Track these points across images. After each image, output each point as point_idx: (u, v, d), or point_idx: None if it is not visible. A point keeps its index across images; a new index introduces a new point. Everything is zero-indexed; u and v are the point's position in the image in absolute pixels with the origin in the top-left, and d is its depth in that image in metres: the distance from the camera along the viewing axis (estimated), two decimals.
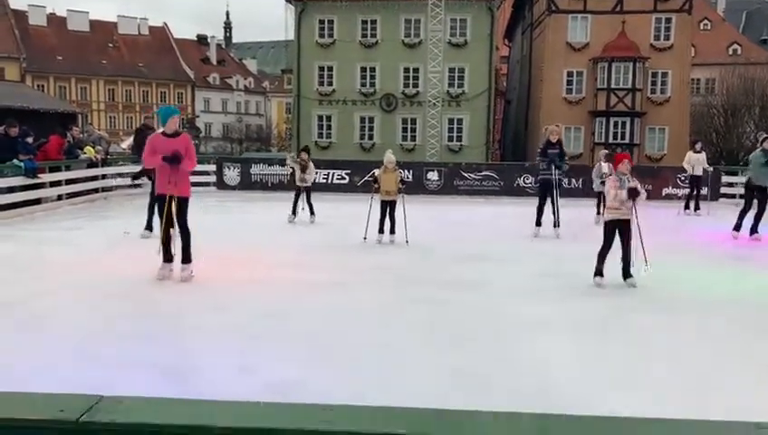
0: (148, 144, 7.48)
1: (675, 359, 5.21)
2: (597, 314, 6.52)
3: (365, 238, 10.46)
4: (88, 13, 63.55)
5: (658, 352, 5.36)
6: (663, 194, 18.49)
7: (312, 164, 13.00)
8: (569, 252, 9.73)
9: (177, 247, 7.63)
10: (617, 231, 7.57)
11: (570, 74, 33.36)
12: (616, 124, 32.70)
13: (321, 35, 35.65)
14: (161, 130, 7.53)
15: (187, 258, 7.58)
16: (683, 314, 6.56)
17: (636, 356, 5.26)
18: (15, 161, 12.80)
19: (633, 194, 7.35)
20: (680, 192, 17.72)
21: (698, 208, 15.52)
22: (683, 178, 17.34)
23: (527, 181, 18.78)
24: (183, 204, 7.51)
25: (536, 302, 6.88)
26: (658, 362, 5.13)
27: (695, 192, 15.65)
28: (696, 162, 15.40)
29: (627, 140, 32.48)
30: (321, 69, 35.95)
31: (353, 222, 12.51)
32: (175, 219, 7.49)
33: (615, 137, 32.61)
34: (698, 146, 15.87)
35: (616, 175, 7.60)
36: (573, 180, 18.16)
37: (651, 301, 7.01)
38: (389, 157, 10.62)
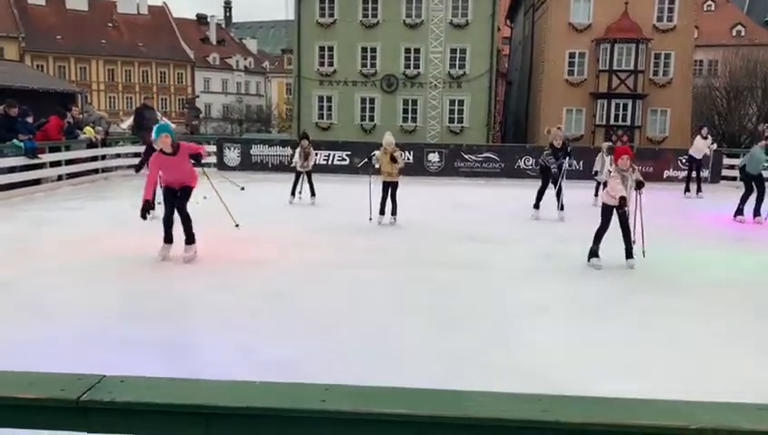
0: (153, 165, 7.51)
1: (674, 339, 5.23)
2: (596, 295, 6.53)
3: (371, 219, 10.52)
4: None
5: (658, 333, 5.37)
6: (664, 176, 18.45)
7: (312, 150, 12.96)
8: (568, 234, 9.72)
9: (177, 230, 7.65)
10: (614, 212, 7.58)
11: (572, 56, 33.12)
12: (618, 106, 32.52)
13: (322, 15, 35.35)
14: (159, 148, 7.52)
15: (190, 239, 7.65)
16: (682, 294, 6.57)
17: (635, 338, 5.28)
18: (15, 141, 12.75)
19: (640, 186, 7.41)
20: (681, 174, 17.67)
21: (700, 191, 15.49)
22: (684, 161, 17.29)
23: (528, 163, 18.72)
24: (187, 192, 7.65)
25: (535, 283, 6.89)
26: (658, 342, 5.15)
27: (694, 174, 15.60)
28: (702, 148, 15.36)
29: (628, 123, 32.34)
30: (322, 49, 35.70)
31: (354, 203, 12.49)
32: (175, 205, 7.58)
33: (616, 119, 32.45)
34: (704, 131, 15.80)
35: (616, 171, 7.54)
36: (574, 163, 18.07)
37: (651, 282, 7.02)
38: (388, 139, 10.58)
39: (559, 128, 11.95)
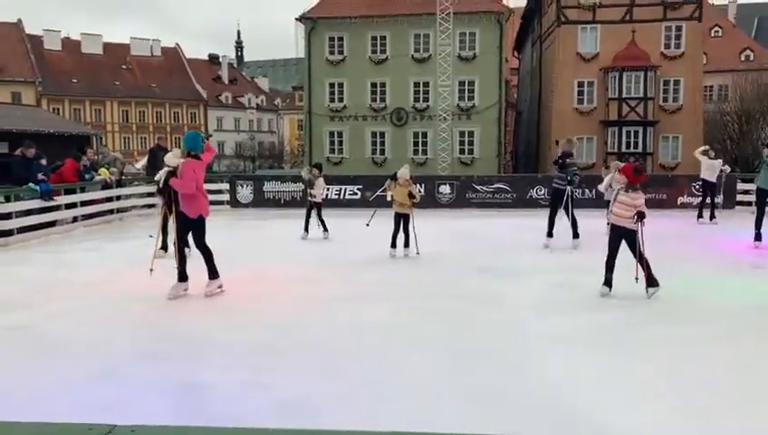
0: (199, 171, 7.53)
1: (691, 369, 5.15)
2: (612, 326, 6.46)
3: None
4: (101, 36, 64.61)
5: (675, 363, 5.29)
6: (678, 203, 18.34)
7: (321, 180, 13.02)
8: (582, 263, 9.67)
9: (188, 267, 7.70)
10: (622, 240, 7.51)
11: (580, 84, 33.31)
12: (628, 133, 32.53)
13: (332, 52, 35.94)
14: (195, 154, 7.63)
15: (212, 274, 7.71)
16: (698, 325, 6.48)
17: (653, 368, 5.20)
18: (31, 185, 12.96)
19: (641, 217, 7.31)
20: (696, 201, 17.55)
21: (713, 217, 15.33)
22: (698, 187, 17.19)
23: (540, 193, 18.69)
24: (200, 226, 7.63)
25: (550, 315, 6.84)
26: (676, 373, 5.07)
27: (708, 199, 15.47)
28: (712, 167, 15.24)
29: (640, 149, 32.31)
30: (332, 85, 36.20)
31: (366, 237, 12.52)
32: (191, 240, 7.60)
33: (628, 146, 32.44)
34: (711, 154, 15.71)
35: (637, 189, 7.53)
36: (586, 190, 18.05)
37: (666, 312, 6.94)
38: (403, 172, 10.64)
39: (569, 139, 11.89)
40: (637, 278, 7.44)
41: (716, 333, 6.17)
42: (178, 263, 7.71)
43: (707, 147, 16.19)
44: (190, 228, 7.61)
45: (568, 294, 7.84)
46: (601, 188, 10.21)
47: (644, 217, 7.31)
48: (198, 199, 7.67)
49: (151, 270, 8.26)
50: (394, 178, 10.73)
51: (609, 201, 11.20)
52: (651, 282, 7.48)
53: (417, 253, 10.56)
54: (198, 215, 7.64)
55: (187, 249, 10.54)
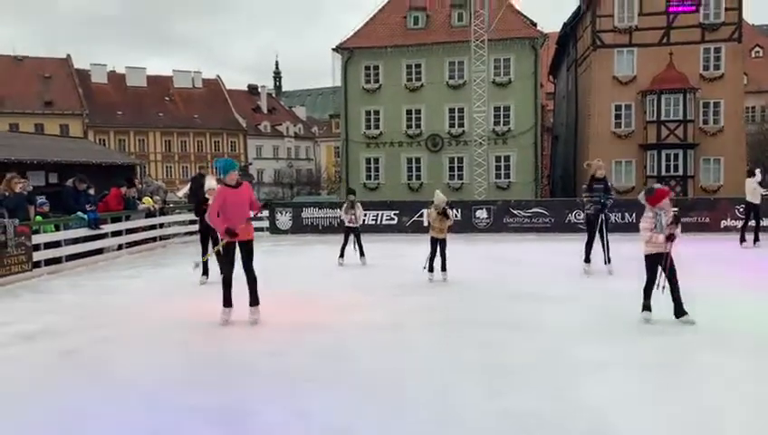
0: (218, 197, 7.74)
1: (733, 405, 5.00)
2: (653, 353, 6.32)
3: (425, 268, 10.67)
4: (145, 69, 66.58)
5: (717, 393, 5.15)
6: (721, 226, 17.91)
7: (359, 205, 13.15)
8: (622, 288, 9.50)
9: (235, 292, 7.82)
10: (657, 265, 7.37)
11: (618, 108, 32.99)
12: (668, 157, 31.99)
13: (368, 81, 36.43)
14: (223, 181, 7.82)
15: (255, 301, 7.82)
16: (742, 353, 6.29)
17: (694, 397, 5.07)
18: (80, 213, 13.38)
19: (671, 239, 7.18)
20: (740, 224, 17.13)
21: (757, 240, 14.90)
22: (741, 210, 16.78)
23: (578, 217, 18.47)
24: (248, 249, 7.76)
25: (590, 342, 6.73)
26: (717, 402, 4.93)
27: (752, 222, 15.06)
28: (754, 190, 14.88)
29: (680, 173, 31.72)
30: (368, 113, 36.63)
31: (404, 262, 12.53)
32: (241, 264, 7.72)
33: (668, 169, 31.88)
34: (758, 172, 15.32)
35: (652, 211, 7.39)
36: (626, 214, 17.79)
37: (708, 339, 6.76)
38: (439, 197, 10.69)
39: (599, 160, 11.73)
40: (663, 287, 7.25)
41: (759, 363, 5.98)
42: (228, 289, 7.82)
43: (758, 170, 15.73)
44: (248, 252, 7.73)
45: (607, 319, 7.71)
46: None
47: (672, 239, 7.19)
48: (251, 222, 7.89)
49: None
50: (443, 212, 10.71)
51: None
52: (679, 309, 7.33)
53: (444, 279, 10.59)
54: (252, 236, 7.84)
55: (203, 277, 10.79)
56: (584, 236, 11.63)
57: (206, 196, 10.27)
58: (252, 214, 7.99)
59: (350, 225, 13.00)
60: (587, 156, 32.62)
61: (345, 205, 13.17)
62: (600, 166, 11.33)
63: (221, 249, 7.78)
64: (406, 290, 10.02)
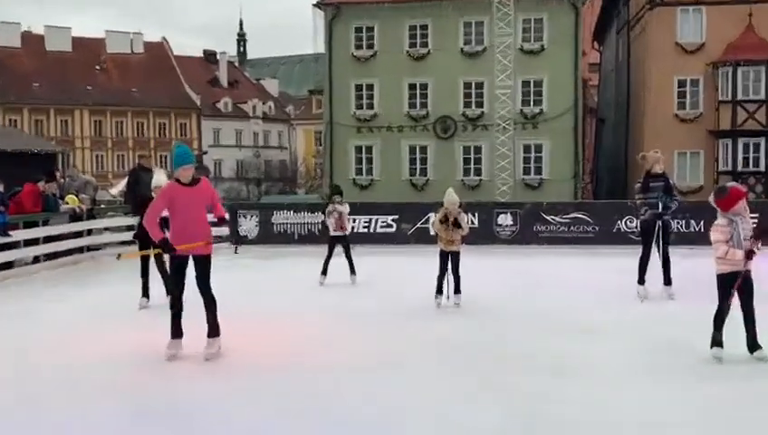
0: (161, 196, 7.80)
1: None
2: (727, 402, 6.33)
3: (438, 301, 10.66)
4: (70, 29, 66.66)
5: None
6: None
7: (347, 208, 13.19)
8: (685, 317, 9.54)
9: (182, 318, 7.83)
10: (729, 288, 7.39)
11: (681, 84, 33.14)
12: (746, 147, 32.11)
13: (359, 47, 36.50)
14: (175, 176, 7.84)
15: (214, 331, 7.84)
16: None
17: None
18: None
19: (749, 256, 7.22)
20: None
21: None
22: None
23: (631, 224, 18.53)
24: (205, 265, 7.78)
25: (646, 387, 6.74)
26: None
27: None
28: None
29: (761, 167, 31.83)
30: (359, 88, 36.67)
31: (405, 282, 12.52)
32: (196, 285, 7.76)
33: (746, 163, 32.01)
34: None
35: (725, 217, 7.44)
36: (692, 221, 17.85)
37: None
38: (451, 198, 10.70)
39: (657, 151, 11.74)
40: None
41: None
42: (177, 316, 7.85)
43: None
44: (203, 271, 7.75)
45: (666, 358, 7.73)
46: None
47: (751, 257, 7.22)
48: (210, 233, 7.96)
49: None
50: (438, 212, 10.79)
51: None
52: (753, 342, 7.39)
53: (455, 303, 10.65)
54: (210, 251, 7.89)
55: (143, 299, 10.83)
56: (638, 250, 11.67)
57: (152, 194, 10.28)
58: (214, 220, 8.02)
59: (336, 233, 13.02)
60: (641, 146, 32.71)
61: (329, 207, 13.20)
62: (659, 159, 11.38)
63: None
64: (406, 318, 10.01)
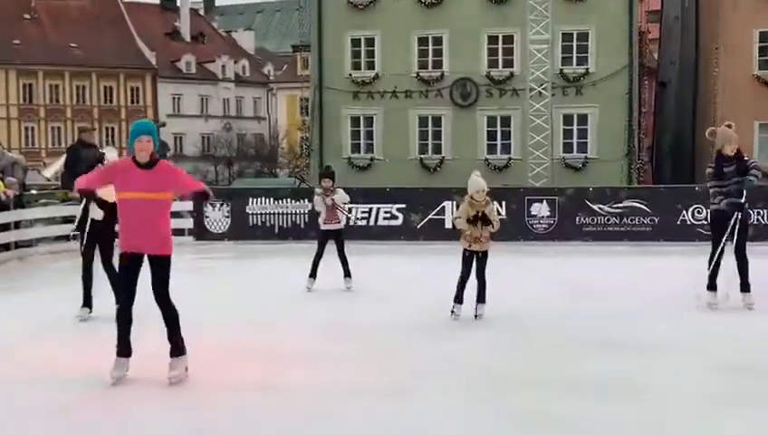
0: (105, 169, 7.86)
1: None
2: None
3: (453, 313, 10.68)
4: None
5: None
6: None
7: (341, 194, 13.18)
8: (764, 333, 9.57)
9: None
10: None
11: (763, 37, 33.03)
12: None
13: None
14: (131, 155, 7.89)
15: (178, 348, 7.86)
16: None
17: None
18: None
19: None
20: None
21: None
22: None
23: (699, 214, 18.53)
24: (162, 267, 7.79)
25: (718, 417, 6.77)
26: None
27: None
28: None
29: None
30: (356, 43, 36.62)
31: (411, 287, 12.53)
32: (152, 292, 7.76)
33: None
34: None
35: None
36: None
37: None
38: (477, 183, 10.63)
39: (730, 125, 11.62)
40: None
41: None
42: (124, 329, 7.87)
43: None
44: (160, 274, 7.76)
45: (742, 384, 7.75)
46: None
47: None
48: (169, 225, 8.04)
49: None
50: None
51: None
52: None
53: (477, 315, 10.70)
54: (170, 251, 7.90)
55: (84, 309, 10.87)
56: (707, 247, 11.66)
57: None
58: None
59: (329, 226, 13.03)
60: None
61: (319, 193, 13.20)
62: (731, 136, 11.25)
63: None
64: (415, 334, 10.02)
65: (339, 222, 13.12)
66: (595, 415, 6.84)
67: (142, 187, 7.57)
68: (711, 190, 11.35)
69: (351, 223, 17.87)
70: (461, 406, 7.16)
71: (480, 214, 10.52)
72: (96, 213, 10.45)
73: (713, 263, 11.36)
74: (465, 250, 10.78)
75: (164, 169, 7.82)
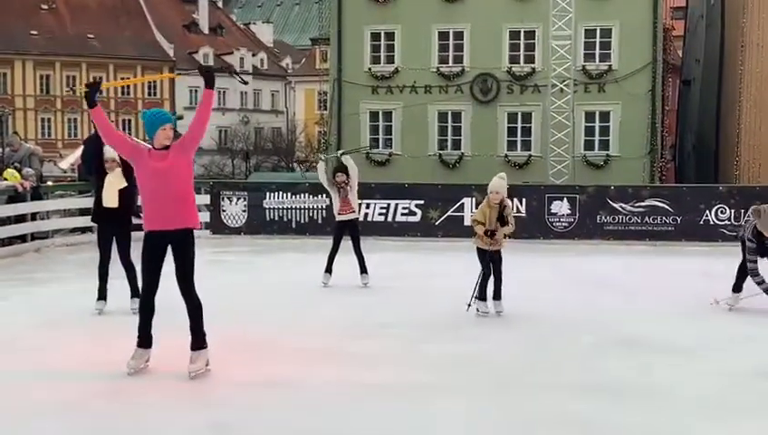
0: (134, 143, 7.95)
1: None
2: None
3: (469, 306, 10.70)
4: None
5: None
6: None
7: (352, 166, 13.20)
8: None
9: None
10: None
11: None
12: None
13: None
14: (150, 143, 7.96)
15: (199, 341, 7.89)
16: None
17: None
18: None
19: None
20: None
21: None
22: None
23: (723, 214, 18.47)
24: (186, 248, 7.79)
25: (741, 423, 6.74)
26: None
27: None
28: None
29: None
30: (376, 37, 36.59)
31: (428, 283, 12.53)
32: (176, 280, 7.80)
33: None
34: None
35: None
36: None
37: None
38: (498, 184, 10.63)
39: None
40: None
41: None
42: (146, 319, 7.92)
43: None
44: (184, 256, 7.77)
45: (762, 387, 7.74)
46: None
47: None
48: (194, 200, 8.12)
49: None
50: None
51: None
52: None
53: (469, 305, 10.72)
54: (197, 224, 8.04)
55: (100, 302, 10.89)
56: (731, 248, 11.59)
57: (106, 167, 10.43)
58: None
59: (344, 216, 13.03)
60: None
61: (329, 173, 13.22)
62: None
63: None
64: (433, 330, 10.04)
65: (353, 211, 13.12)
66: (611, 416, 6.83)
67: (162, 160, 7.65)
68: (749, 265, 11.08)
69: (369, 218, 17.96)
70: (478, 405, 7.16)
71: (499, 213, 10.56)
72: (111, 201, 10.49)
73: (742, 269, 11.28)
74: (478, 250, 10.82)
75: (177, 143, 7.87)
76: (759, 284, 11.05)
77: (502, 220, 10.59)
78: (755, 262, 11.02)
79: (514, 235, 11.00)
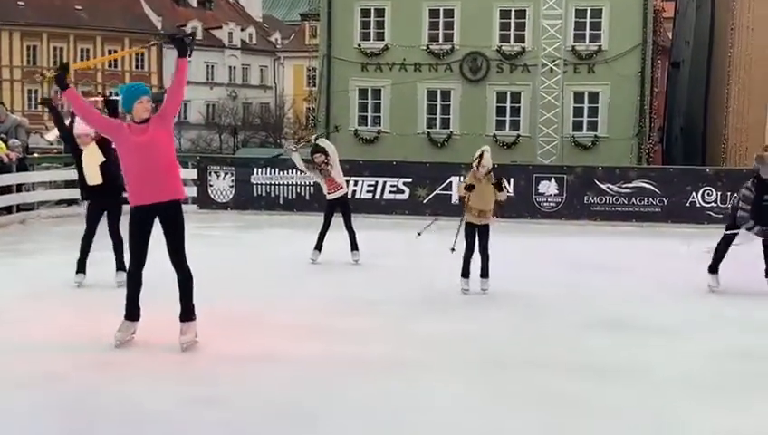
0: (115, 128, 7.96)
1: None
2: None
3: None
4: None
5: None
6: None
7: (330, 148, 13.19)
8: None
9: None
10: None
11: None
12: None
13: None
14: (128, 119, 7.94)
15: (188, 312, 7.94)
16: None
17: None
18: None
19: None
20: None
21: None
22: None
23: (709, 197, 18.53)
24: (176, 217, 7.82)
25: (722, 401, 6.79)
26: None
27: None
28: None
29: None
30: (366, 13, 36.43)
31: (418, 262, 12.56)
32: (167, 252, 7.81)
33: None
34: None
35: None
36: None
37: None
38: (486, 156, 10.69)
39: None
40: None
41: None
42: (134, 291, 7.95)
43: None
44: (174, 227, 7.80)
45: (745, 367, 7.79)
46: None
47: None
48: (178, 169, 8.20)
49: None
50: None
51: None
52: None
53: (482, 289, 10.80)
54: (182, 195, 8.11)
55: (79, 275, 10.89)
56: (716, 229, 11.64)
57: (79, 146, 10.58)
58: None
59: (333, 194, 13.03)
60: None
61: (293, 149, 13.24)
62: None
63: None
64: (422, 308, 10.09)
65: (341, 187, 13.12)
66: (596, 395, 6.88)
67: (142, 134, 7.67)
68: (740, 212, 11.13)
69: (357, 196, 17.96)
70: (464, 383, 7.19)
71: (493, 178, 10.63)
72: (94, 178, 10.48)
73: (719, 248, 11.37)
74: (467, 224, 10.84)
75: (155, 115, 7.86)
76: (749, 229, 11.05)
77: (498, 187, 10.68)
78: (747, 211, 11.00)
79: (502, 214, 11.02)
